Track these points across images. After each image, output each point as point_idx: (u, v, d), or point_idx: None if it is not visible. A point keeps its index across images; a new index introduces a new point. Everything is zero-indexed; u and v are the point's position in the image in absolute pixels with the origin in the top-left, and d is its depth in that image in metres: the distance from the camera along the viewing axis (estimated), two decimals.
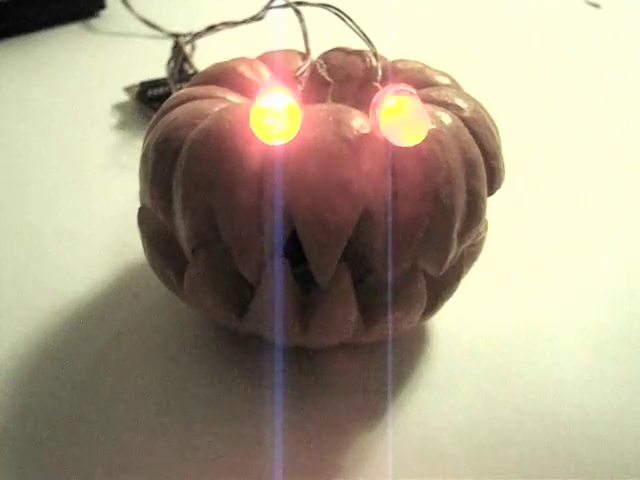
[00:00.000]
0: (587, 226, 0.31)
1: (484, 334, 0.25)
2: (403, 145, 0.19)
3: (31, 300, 0.26)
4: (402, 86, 0.20)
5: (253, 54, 0.28)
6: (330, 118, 0.20)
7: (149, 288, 0.27)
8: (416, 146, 0.20)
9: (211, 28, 0.31)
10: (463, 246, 0.22)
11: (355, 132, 0.20)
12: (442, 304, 0.23)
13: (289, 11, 0.28)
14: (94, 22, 0.47)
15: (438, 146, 0.20)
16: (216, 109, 0.22)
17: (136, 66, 0.41)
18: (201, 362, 0.24)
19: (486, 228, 0.24)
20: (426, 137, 0.20)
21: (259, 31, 0.32)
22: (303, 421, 0.22)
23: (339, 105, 0.21)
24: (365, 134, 0.20)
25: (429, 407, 0.23)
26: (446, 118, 0.21)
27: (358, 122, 0.20)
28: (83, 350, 0.24)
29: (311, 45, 0.28)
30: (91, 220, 0.30)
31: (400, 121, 0.19)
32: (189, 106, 0.23)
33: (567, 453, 0.21)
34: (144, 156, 0.23)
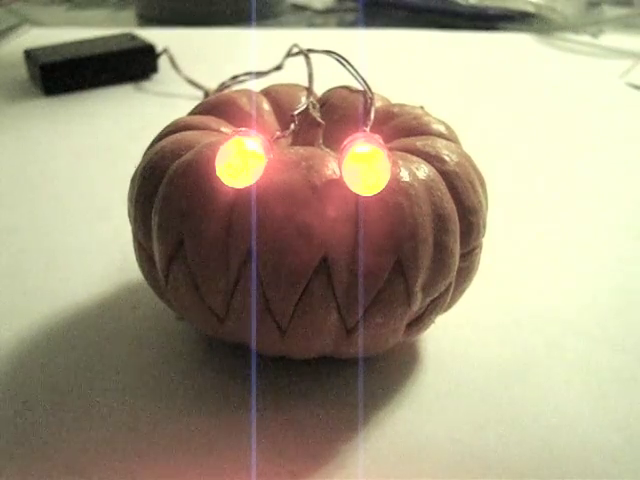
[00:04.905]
0: (594, 259, 0.31)
1: (479, 360, 0.25)
2: (361, 193, 0.20)
3: (37, 303, 0.28)
4: (367, 136, 0.20)
5: None
6: (303, 163, 0.21)
7: (147, 302, 0.28)
8: (383, 198, 0.20)
9: (235, 78, 0.34)
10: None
11: (324, 179, 0.20)
12: (430, 318, 0.23)
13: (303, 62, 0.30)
14: (145, 84, 0.53)
15: (406, 200, 0.20)
16: (203, 142, 0.23)
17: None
18: (188, 368, 0.25)
19: (480, 247, 0.24)
20: (395, 190, 0.21)
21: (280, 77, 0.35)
22: (277, 430, 0.22)
23: (317, 150, 0.22)
24: (333, 180, 0.20)
25: (409, 426, 0.22)
26: (422, 171, 0.22)
27: (329, 168, 0.21)
28: (80, 349, 0.26)
29: (323, 82, 0.29)
30: (105, 242, 0.33)
31: (361, 170, 0.20)
32: (178, 136, 0.24)
33: None
34: (133, 179, 0.24)
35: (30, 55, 0.51)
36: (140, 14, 0.75)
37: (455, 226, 0.22)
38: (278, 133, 0.23)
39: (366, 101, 0.26)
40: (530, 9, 0.71)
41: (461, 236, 0.22)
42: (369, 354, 0.23)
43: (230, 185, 0.20)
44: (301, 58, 0.30)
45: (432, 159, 0.23)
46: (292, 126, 0.24)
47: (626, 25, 0.71)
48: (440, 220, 0.21)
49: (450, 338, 0.26)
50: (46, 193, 0.37)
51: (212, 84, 0.49)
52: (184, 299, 0.22)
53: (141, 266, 0.24)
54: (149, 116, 0.47)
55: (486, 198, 0.25)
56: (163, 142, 0.24)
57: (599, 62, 0.59)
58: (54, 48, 0.52)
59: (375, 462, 0.21)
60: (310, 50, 0.29)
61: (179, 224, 0.21)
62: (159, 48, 0.53)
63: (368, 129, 0.25)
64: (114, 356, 0.25)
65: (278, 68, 0.35)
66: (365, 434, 0.22)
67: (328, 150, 0.24)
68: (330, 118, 0.26)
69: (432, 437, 0.22)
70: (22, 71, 0.55)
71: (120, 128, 0.45)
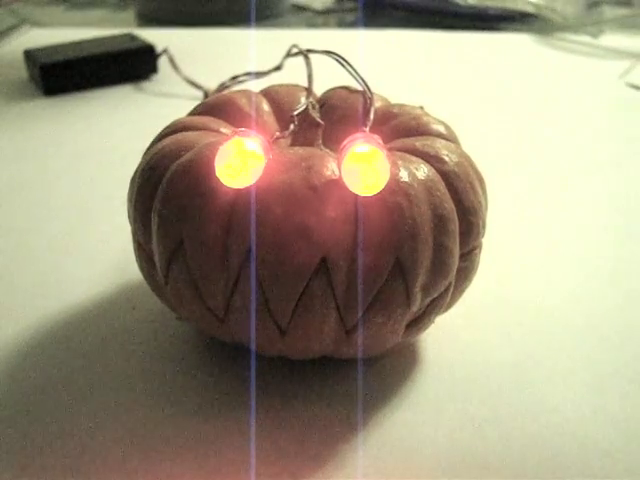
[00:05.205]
0: (594, 259, 0.31)
1: (479, 360, 0.25)
2: (360, 194, 0.20)
3: (37, 303, 0.28)
4: (366, 136, 0.20)
5: None
6: (302, 163, 0.21)
7: (147, 302, 0.28)
8: (382, 198, 0.20)
9: (234, 78, 0.34)
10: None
11: (323, 179, 0.20)
12: (429, 318, 0.23)
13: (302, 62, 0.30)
14: (145, 84, 0.53)
15: (405, 200, 0.20)
16: (202, 142, 0.23)
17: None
18: (188, 368, 0.25)
19: (480, 247, 0.24)
20: (394, 190, 0.21)
21: (280, 77, 0.35)
22: (277, 430, 0.22)
23: (316, 150, 0.22)
24: (333, 181, 0.20)
25: (409, 426, 0.22)
26: (421, 172, 0.22)
27: (329, 169, 0.21)
28: (80, 349, 0.26)
29: (323, 83, 0.29)
30: (105, 242, 0.33)
31: (360, 170, 0.20)
32: (178, 136, 0.24)
33: None
34: (132, 179, 0.24)
35: (30, 55, 0.51)
36: (140, 14, 0.75)
37: (455, 226, 0.22)
38: (277, 133, 0.23)
39: (365, 101, 0.26)
40: (530, 9, 0.71)
41: (461, 236, 0.22)
42: (369, 354, 0.23)
43: (230, 185, 0.20)
44: (301, 58, 0.30)
45: (431, 159, 0.23)
46: (292, 126, 0.24)
47: (626, 25, 0.71)
48: (440, 220, 0.21)
49: (450, 338, 0.26)
50: (46, 193, 0.37)
51: (212, 84, 0.49)
52: (184, 299, 0.22)
53: (141, 266, 0.24)
54: (149, 116, 0.47)
55: (486, 198, 0.25)
56: (163, 142, 0.24)
57: (599, 62, 0.59)
58: (54, 48, 0.52)
59: (375, 462, 0.21)
60: (310, 50, 0.30)
61: (179, 224, 0.21)
62: (159, 48, 0.54)
63: (367, 129, 0.25)
64: (113, 356, 0.25)
65: (278, 68, 0.35)
66: (365, 434, 0.22)
67: (327, 150, 0.24)
68: (330, 118, 0.26)
69: (432, 437, 0.22)
70: (22, 71, 0.55)
71: (120, 128, 0.45)
